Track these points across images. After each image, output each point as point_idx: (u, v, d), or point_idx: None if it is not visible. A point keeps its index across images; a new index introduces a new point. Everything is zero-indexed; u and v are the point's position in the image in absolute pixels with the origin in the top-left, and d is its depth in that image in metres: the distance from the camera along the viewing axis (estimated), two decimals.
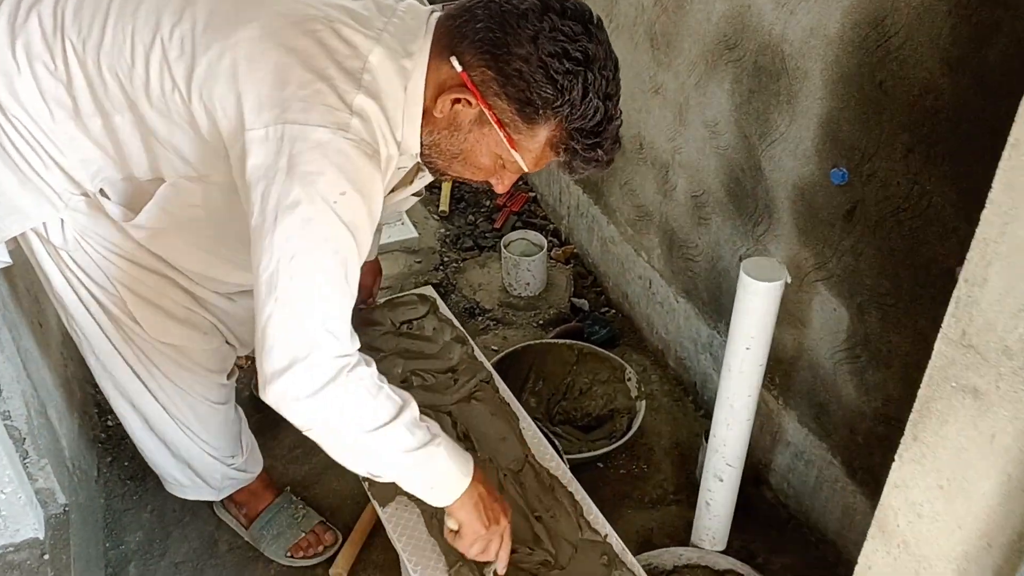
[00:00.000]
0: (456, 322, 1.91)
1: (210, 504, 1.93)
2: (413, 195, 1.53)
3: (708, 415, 2.20)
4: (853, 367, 1.65)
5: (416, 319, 1.91)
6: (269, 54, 1.15)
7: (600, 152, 1.19)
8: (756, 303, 1.38)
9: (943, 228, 1.36)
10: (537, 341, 2.27)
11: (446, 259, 2.76)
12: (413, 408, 1.25)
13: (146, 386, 1.58)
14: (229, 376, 1.68)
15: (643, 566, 1.70)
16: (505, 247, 2.56)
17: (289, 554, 1.84)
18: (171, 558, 1.87)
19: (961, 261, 0.78)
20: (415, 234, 2.79)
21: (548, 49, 1.11)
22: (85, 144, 1.29)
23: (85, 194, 1.36)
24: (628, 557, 1.46)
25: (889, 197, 1.45)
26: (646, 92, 2.13)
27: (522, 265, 2.50)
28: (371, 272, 1.94)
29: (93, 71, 1.21)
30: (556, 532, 1.48)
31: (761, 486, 2.03)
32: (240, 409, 1.80)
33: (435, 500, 1.30)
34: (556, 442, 1.80)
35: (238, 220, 1.22)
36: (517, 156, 1.20)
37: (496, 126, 1.17)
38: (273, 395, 1.14)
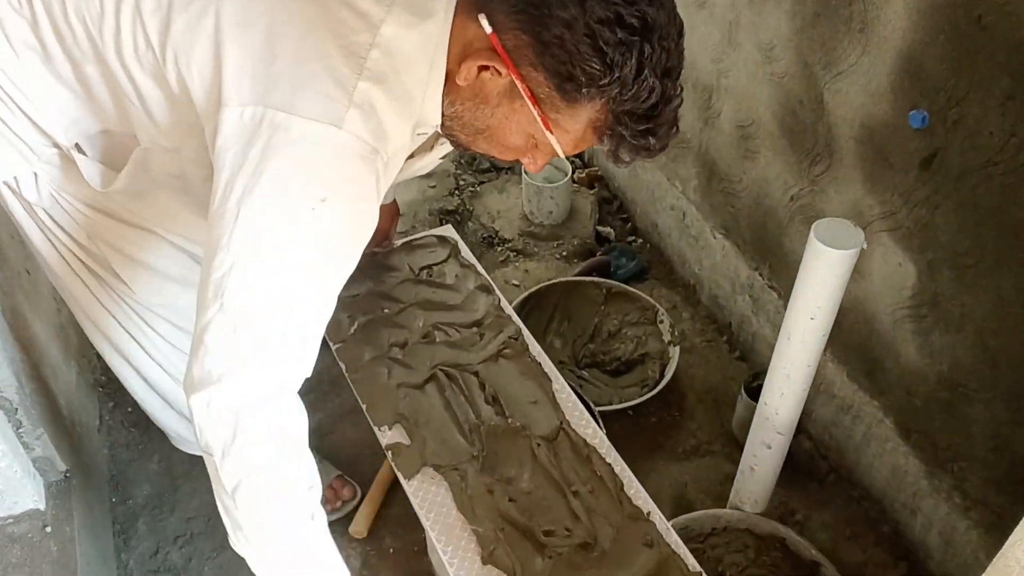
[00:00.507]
0: (480, 267, 1.76)
1: None
2: (440, 158, 1.35)
3: (743, 358, 2.08)
4: (917, 327, 1.51)
5: (436, 264, 1.76)
6: (260, 18, 0.95)
7: (652, 140, 0.98)
8: (827, 272, 1.23)
9: None
10: (562, 279, 2.12)
11: (462, 183, 2.59)
12: (318, 491, 1.05)
13: (142, 346, 1.46)
14: None
15: (680, 530, 1.62)
16: (526, 172, 2.38)
17: None
18: (181, 513, 1.79)
19: None
20: None
21: (598, 14, 0.89)
22: (58, 91, 1.11)
23: (59, 147, 1.19)
24: (673, 537, 1.36)
25: (978, 148, 1.28)
26: (689, 4, 1.91)
27: (544, 193, 2.33)
28: (388, 214, 1.78)
29: (59, 14, 1.03)
30: (595, 509, 1.38)
31: (799, 435, 1.92)
32: None
33: None
34: (592, 406, 1.67)
35: None
36: (552, 139, 1.00)
37: (529, 102, 0.97)
38: (194, 402, 0.95)
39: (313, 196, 0.93)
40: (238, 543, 1.04)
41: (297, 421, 1.01)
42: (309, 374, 1.01)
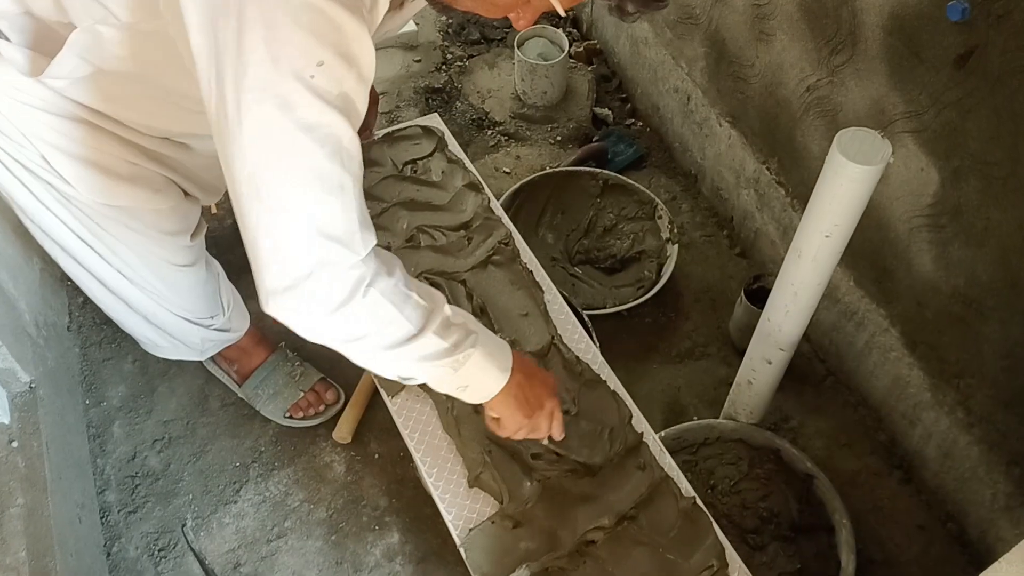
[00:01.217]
0: (468, 163, 1.63)
1: None
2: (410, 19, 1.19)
3: (744, 255, 1.99)
4: (935, 237, 1.41)
5: (421, 159, 1.63)
6: None
7: None
8: (848, 188, 1.11)
9: None
10: (556, 169, 1.99)
11: (449, 56, 2.40)
12: (443, 310, 1.04)
13: (96, 252, 1.35)
14: (195, 235, 1.43)
15: (673, 440, 1.58)
16: (519, 48, 2.20)
17: (288, 414, 1.70)
18: (158, 416, 1.73)
19: None
20: (413, 26, 2.40)
21: None
22: None
23: None
24: (666, 460, 1.31)
25: (1023, 48, 1.14)
26: None
27: (539, 71, 2.16)
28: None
29: None
30: (587, 432, 1.32)
31: None
32: (215, 264, 1.57)
33: (470, 399, 1.14)
34: (585, 318, 1.59)
35: (186, 77, 0.94)
36: None
37: None
38: (277, 313, 0.93)
39: (311, 60, 0.82)
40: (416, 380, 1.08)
41: (390, 280, 0.98)
42: (374, 240, 0.96)
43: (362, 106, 0.91)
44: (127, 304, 1.46)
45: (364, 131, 1.65)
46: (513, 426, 1.17)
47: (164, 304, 1.47)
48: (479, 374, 1.10)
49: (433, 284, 1.44)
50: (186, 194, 1.36)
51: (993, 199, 1.27)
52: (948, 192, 1.35)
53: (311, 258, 0.90)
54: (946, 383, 1.50)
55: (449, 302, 1.08)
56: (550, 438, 1.24)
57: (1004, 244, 1.28)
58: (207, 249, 1.53)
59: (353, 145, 0.90)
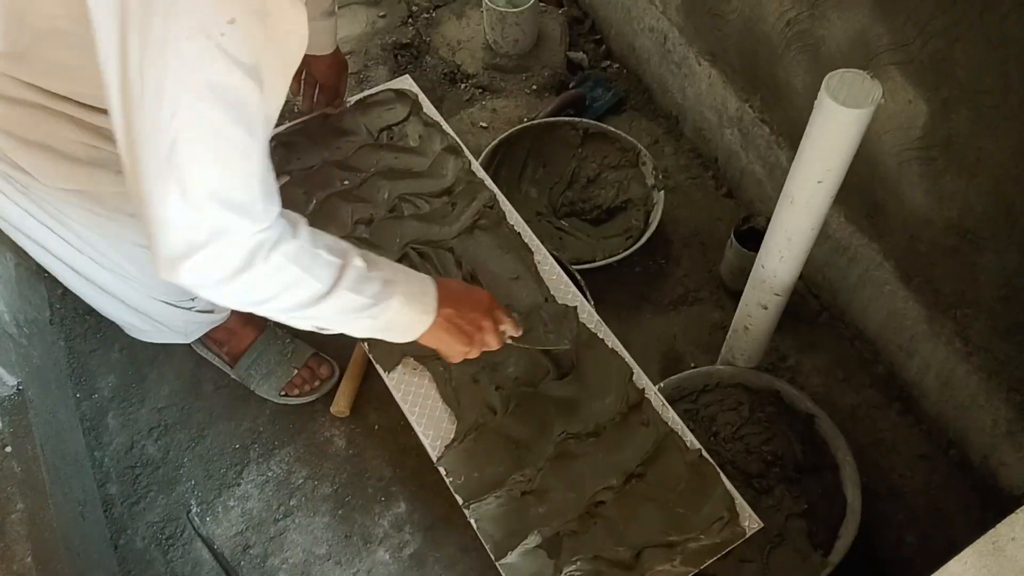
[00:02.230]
0: (446, 125, 1.58)
1: None
2: None
3: (731, 195, 1.97)
4: (926, 170, 1.39)
5: (396, 124, 1.59)
6: None
7: None
8: (840, 134, 1.08)
9: None
10: (534, 122, 1.94)
11: (415, 8, 2.32)
12: (356, 263, 1.02)
13: (64, 240, 1.30)
14: None
15: (672, 390, 1.57)
16: None
17: (283, 392, 1.68)
18: (152, 403, 1.71)
19: None
20: None
21: None
22: None
23: None
24: (669, 414, 1.30)
25: None
26: None
27: (508, 19, 2.10)
28: (334, 68, 1.57)
29: None
30: (589, 393, 1.31)
31: None
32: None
33: (397, 340, 1.13)
34: (577, 276, 1.56)
35: None
36: None
37: None
38: (173, 280, 0.90)
39: (220, 17, 0.78)
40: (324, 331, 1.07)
41: (295, 242, 0.95)
42: (279, 205, 0.94)
43: (279, 75, 0.88)
44: (103, 290, 1.42)
45: (336, 99, 1.61)
46: (455, 355, 1.18)
47: (140, 288, 1.43)
48: (401, 319, 1.09)
49: (420, 254, 1.42)
50: None
51: (984, 128, 1.25)
52: (938, 124, 1.32)
53: (206, 227, 0.86)
54: (943, 314, 1.49)
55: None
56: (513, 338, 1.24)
57: (997, 174, 1.26)
58: None
59: (261, 110, 0.87)
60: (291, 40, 0.87)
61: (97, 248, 1.33)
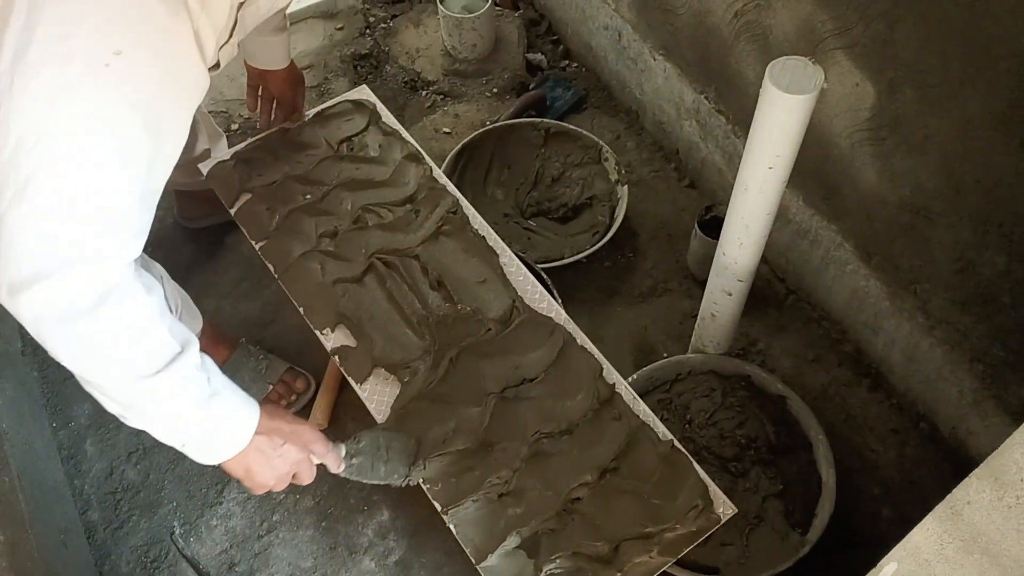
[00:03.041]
0: (405, 133, 1.60)
1: None
2: None
3: (693, 185, 1.99)
4: (877, 150, 1.42)
5: (356, 135, 1.60)
6: None
7: None
8: (785, 119, 1.11)
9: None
10: (496, 124, 1.96)
11: (372, 19, 2.34)
12: (191, 356, 0.98)
13: None
14: None
15: (645, 380, 1.59)
16: (441, 2, 2.15)
17: None
18: (129, 427, 1.68)
19: None
20: None
21: None
22: None
23: None
24: (640, 407, 1.32)
25: None
26: None
27: (465, 25, 2.11)
28: (289, 83, 1.58)
29: None
30: (560, 392, 1.33)
31: None
32: (157, 266, 1.48)
33: (198, 457, 1.05)
34: (544, 275, 1.58)
35: None
36: None
37: None
38: (12, 307, 0.87)
39: (106, 48, 0.76)
40: (130, 422, 1.00)
41: (142, 304, 0.91)
42: (140, 250, 0.91)
43: (174, 112, 0.85)
44: None
45: (293, 113, 1.62)
46: (257, 488, 1.11)
47: None
48: (210, 436, 1.03)
49: (386, 264, 1.43)
50: None
51: (929, 107, 1.28)
52: (885, 104, 1.35)
53: (55, 257, 0.83)
54: (903, 290, 1.52)
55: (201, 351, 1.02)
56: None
57: (945, 150, 1.29)
58: (146, 251, 1.48)
59: (141, 150, 0.84)
60: (188, 82, 0.85)
61: None
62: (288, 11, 2.23)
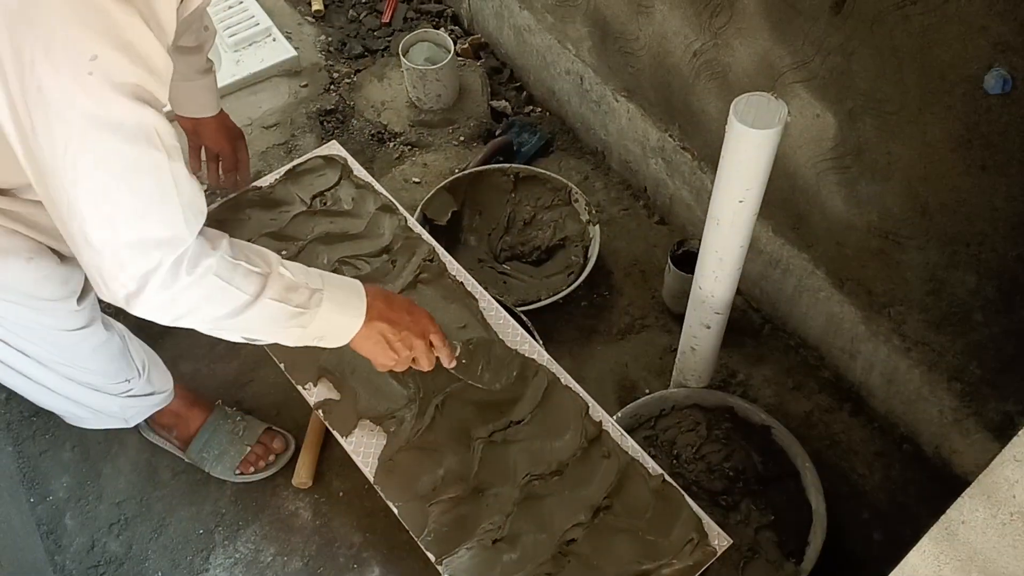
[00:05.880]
0: (377, 185, 1.61)
1: (137, 428, 1.69)
2: None
3: (663, 221, 2.02)
4: (842, 178, 1.45)
5: (328, 189, 1.60)
6: None
7: None
8: (752, 154, 1.13)
9: (967, 27, 1.11)
10: (465, 172, 1.98)
11: (336, 75, 2.36)
12: (279, 273, 1.06)
13: None
14: (81, 299, 1.29)
15: (630, 418, 1.59)
16: (404, 55, 2.18)
17: (239, 471, 1.65)
18: (109, 498, 1.67)
19: None
20: (293, 52, 2.34)
21: None
22: None
23: None
24: (628, 443, 1.32)
25: None
26: None
27: (429, 76, 2.14)
28: (223, 133, 1.56)
29: None
30: (547, 432, 1.32)
31: None
32: (116, 324, 1.47)
33: (330, 345, 1.17)
34: (523, 317, 1.59)
35: None
36: None
37: None
38: (134, 312, 0.97)
39: (83, 54, 0.80)
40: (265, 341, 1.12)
41: (213, 257, 0.99)
42: (203, 221, 0.99)
43: (157, 91, 0.89)
44: (32, 380, 1.38)
45: (236, 168, 1.59)
46: (380, 367, 1.23)
47: (70, 374, 1.39)
48: (330, 326, 1.13)
49: None
50: (63, 257, 1.24)
51: (890, 134, 1.31)
52: (847, 133, 1.39)
53: (139, 269, 0.92)
54: (877, 314, 1.54)
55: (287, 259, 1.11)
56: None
57: (908, 175, 1.32)
58: (107, 312, 1.46)
59: (151, 135, 0.88)
60: (155, 58, 0.87)
61: (18, 335, 1.29)
62: (252, 71, 2.25)
